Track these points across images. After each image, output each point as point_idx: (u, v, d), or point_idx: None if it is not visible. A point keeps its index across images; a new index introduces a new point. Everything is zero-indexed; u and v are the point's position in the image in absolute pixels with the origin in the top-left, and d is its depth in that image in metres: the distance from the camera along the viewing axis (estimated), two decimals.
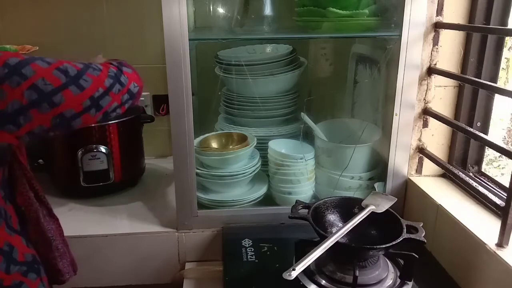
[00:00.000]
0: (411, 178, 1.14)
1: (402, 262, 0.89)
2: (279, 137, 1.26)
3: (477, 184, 0.97)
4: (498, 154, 1.05)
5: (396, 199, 0.93)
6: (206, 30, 1.33)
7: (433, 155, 1.11)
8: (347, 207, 0.94)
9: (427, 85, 1.09)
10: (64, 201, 1.28)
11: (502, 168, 1.35)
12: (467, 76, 1.05)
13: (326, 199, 0.96)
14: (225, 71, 1.26)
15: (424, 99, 1.10)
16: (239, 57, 1.24)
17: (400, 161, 1.12)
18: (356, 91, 1.33)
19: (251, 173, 1.19)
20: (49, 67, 0.68)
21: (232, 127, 1.31)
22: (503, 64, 1.07)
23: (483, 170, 1.11)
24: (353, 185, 1.17)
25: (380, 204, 0.91)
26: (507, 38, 1.06)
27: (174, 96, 1.02)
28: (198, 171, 1.14)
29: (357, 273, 0.79)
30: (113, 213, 1.23)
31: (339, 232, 0.81)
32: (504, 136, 1.44)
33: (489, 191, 0.94)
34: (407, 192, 1.15)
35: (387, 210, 0.89)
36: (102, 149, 1.24)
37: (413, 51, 1.04)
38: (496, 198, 0.89)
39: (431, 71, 1.08)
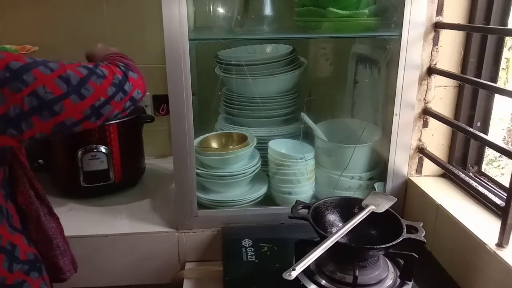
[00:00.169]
0: (411, 178, 1.14)
1: (402, 262, 0.89)
2: (279, 137, 1.26)
3: (477, 184, 0.97)
4: (498, 154, 1.05)
5: (396, 199, 0.93)
6: (206, 30, 1.33)
7: (433, 155, 1.11)
8: (347, 207, 0.94)
9: (427, 85, 1.09)
10: (64, 201, 1.28)
11: (502, 168, 1.35)
12: (467, 76, 1.05)
13: (326, 199, 0.95)
14: (225, 71, 1.26)
15: (424, 99, 1.10)
16: (239, 57, 1.24)
17: (400, 161, 1.12)
18: (356, 91, 1.33)
19: (251, 173, 1.19)
20: (51, 74, 0.67)
21: (232, 127, 1.31)
22: (503, 64, 1.07)
23: (483, 170, 1.11)
24: (353, 185, 1.17)
25: (380, 204, 0.91)
26: (507, 38, 1.06)
27: (174, 96, 1.02)
28: (198, 171, 1.14)
29: (357, 273, 0.79)
30: (113, 213, 1.23)
31: (339, 232, 0.81)
32: (504, 136, 1.44)
33: (489, 191, 0.94)
34: (407, 192, 1.15)
35: (387, 210, 0.89)
36: (102, 149, 1.24)
37: (413, 51, 1.04)
38: (496, 198, 0.89)
39: (431, 71, 1.08)
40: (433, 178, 1.15)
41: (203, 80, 1.34)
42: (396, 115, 1.08)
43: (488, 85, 0.95)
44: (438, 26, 1.05)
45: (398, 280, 0.86)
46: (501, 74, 1.08)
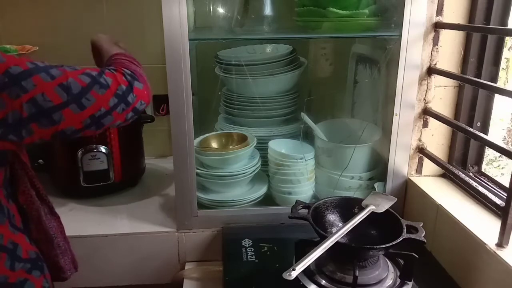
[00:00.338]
0: (411, 178, 1.14)
1: (402, 262, 0.89)
2: (279, 137, 1.26)
3: (477, 184, 0.97)
4: (498, 154, 1.05)
5: (396, 199, 0.93)
6: (206, 30, 1.33)
7: (433, 155, 1.11)
8: (347, 207, 0.94)
9: (427, 85, 1.09)
10: (64, 201, 1.28)
11: (502, 168, 1.35)
12: (467, 76, 1.05)
13: (326, 199, 0.96)
14: (225, 71, 1.26)
15: (424, 99, 1.10)
16: (239, 57, 1.24)
17: (400, 161, 1.12)
18: (356, 91, 1.33)
19: (251, 173, 1.19)
20: (52, 82, 0.66)
21: (232, 127, 1.31)
22: (503, 64, 1.07)
23: (483, 170, 1.11)
24: (353, 185, 1.17)
25: (380, 204, 0.91)
26: (507, 38, 1.06)
27: (174, 96, 1.02)
28: (198, 171, 1.14)
29: (357, 273, 0.79)
30: (113, 213, 1.23)
31: (339, 232, 0.81)
32: (504, 136, 1.44)
33: (489, 191, 0.94)
34: (407, 192, 1.15)
35: (387, 210, 0.89)
36: (102, 149, 1.24)
37: (413, 51, 1.04)
38: (496, 198, 0.89)
39: (431, 71, 1.08)
40: (433, 178, 1.15)
41: (203, 80, 1.34)
42: (396, 115, 1.08)
43: (488, 85, 0.95)
44: (438, 26, 1.05)
45: (398, 280, 0.86)
46: (501, 74, 1.08)
